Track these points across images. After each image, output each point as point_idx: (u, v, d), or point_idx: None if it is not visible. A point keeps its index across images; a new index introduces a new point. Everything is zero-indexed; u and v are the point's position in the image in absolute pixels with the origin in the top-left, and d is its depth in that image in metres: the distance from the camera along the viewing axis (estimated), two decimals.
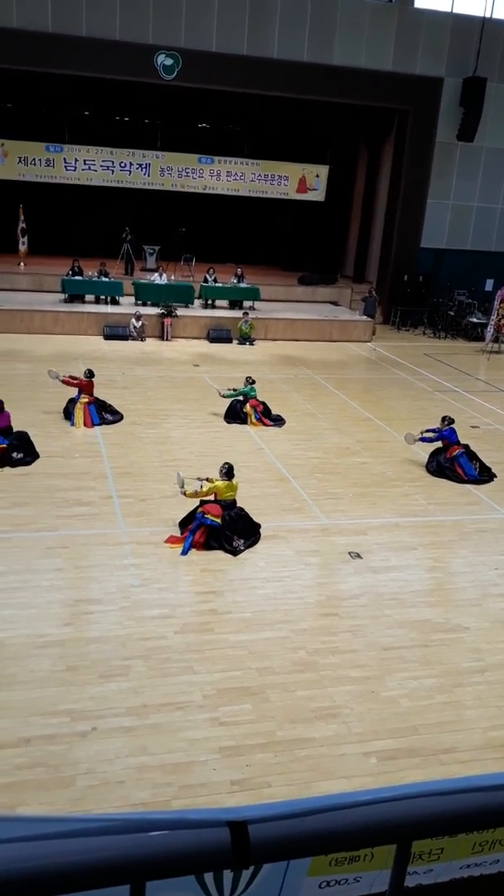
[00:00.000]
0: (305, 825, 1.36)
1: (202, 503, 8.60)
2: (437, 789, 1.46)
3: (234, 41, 20.28)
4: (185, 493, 8.57)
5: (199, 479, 8.74)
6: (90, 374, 12.45)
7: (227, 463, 8.76)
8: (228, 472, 8.63)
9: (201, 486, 8.59)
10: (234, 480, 8.73)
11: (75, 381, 12.29)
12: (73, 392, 12.43)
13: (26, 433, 10.72)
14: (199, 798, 4.93)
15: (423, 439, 11.45)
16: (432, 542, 9.11)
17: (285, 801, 1.39)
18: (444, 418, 11.58)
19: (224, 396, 12.99)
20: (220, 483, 8.57)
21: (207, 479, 8.69)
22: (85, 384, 12.32)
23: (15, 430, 10.65)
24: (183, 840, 1.30)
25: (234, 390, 13.10)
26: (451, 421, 11.46)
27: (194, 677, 6.17)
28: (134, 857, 1.27)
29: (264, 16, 20.36)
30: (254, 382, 13.24)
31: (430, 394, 15.80)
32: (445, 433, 11.27)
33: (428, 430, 11.50)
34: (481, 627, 7.29)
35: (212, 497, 8.61)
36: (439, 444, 11.35)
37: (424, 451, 11.63)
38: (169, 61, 19.94)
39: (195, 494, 8.54)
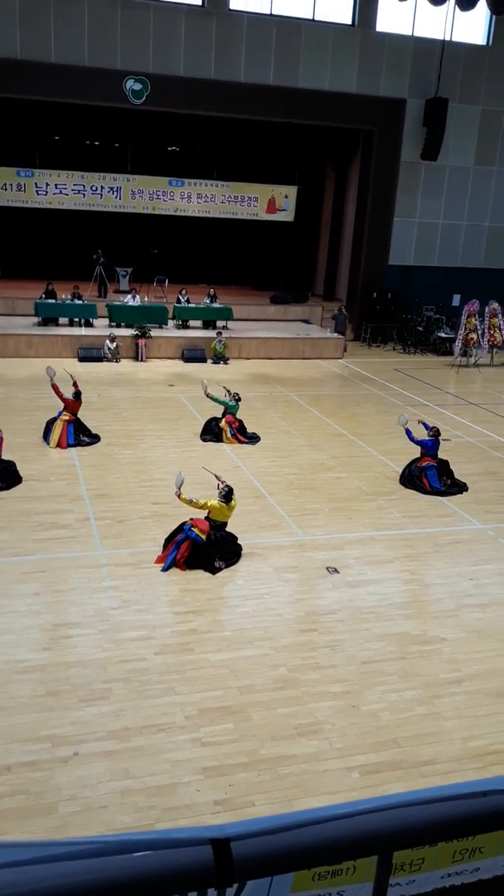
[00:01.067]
0: (287, 840, 1.38)
1: (192, 518, 8.60)
2: (415, 799, 1.49)
3: (202, 66, 20.55)
4: (179, 496, 8.52)
5: (217, 476, 8.83)
6: (77, 395, 12.40)
7: (227, 486, 8.74)
8: (226, 495, 8.63)
9: (195, 499, 8.57)
10: (233, 503, 8.66)
11: (61, 396, 12.24)
12: (55, 412, 12.38)
13: (13, 463, 10.60)
14: (183, 820, 4.90)
15: (408, 431, 11.54)
16: (407, 554, 9.19)
17: (267, 817, 1.41)
18: (429, 428, 11.67)
19: (207, 394, 12.99)
20: (214, 502, 8.57)
21: (221, 483, 8.73)
22: (71, 404, 12.29)
23: (3, 457, 10.53)
24: (166, 860, 1.31)
25: (217, 399, 13.08)
26: (437, 433, 11.57)
27: (175, 698, 6.15)
28: (118, 879, 1.28)
29: (231, 41, 20.68)
30: (239, 400, 13.26)
31: (402, 408, 15.97)
32: (427, 443, 11.40)
33: (417, 440, 11.52)
34: (458, 638, 7.36)
35: (204, 513, 8.61)
36: (417, 448, 11.47)
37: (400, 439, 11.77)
38: (138, 86, 20.13)
39: (189, 502, 8.51)
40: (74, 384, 12.43)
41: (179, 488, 8.53)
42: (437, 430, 11.69)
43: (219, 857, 1.31)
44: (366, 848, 1.47)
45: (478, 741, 5.90)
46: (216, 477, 8.92)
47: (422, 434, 11.72)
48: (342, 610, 7.76)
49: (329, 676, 6.60)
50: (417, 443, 11.43)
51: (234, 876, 1.33)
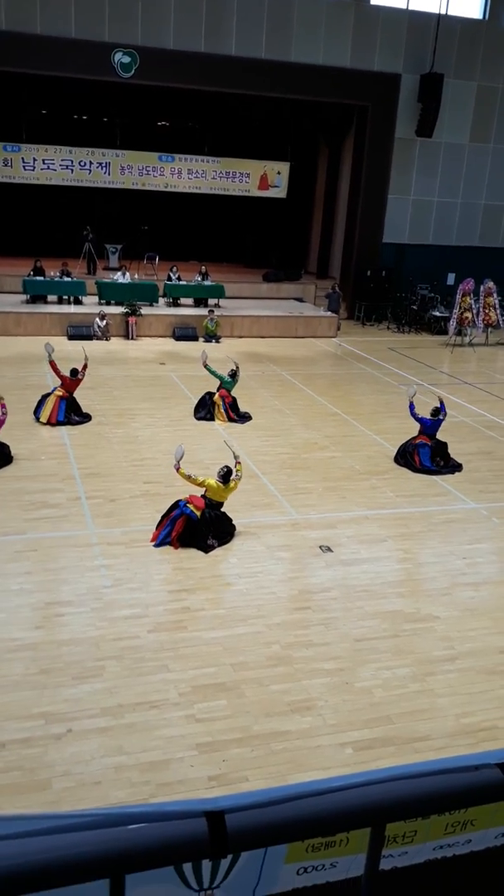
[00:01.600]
0: (281, 813, 1.38)
1: (189, 495, 8.60)
2: (408, 772, 1.50)
3: (192, 39, 20.22)
4: (178, 469, 8.50)
5: (235, 456, 8.82)
6: (74, 373, 12.32)
7: (226, 466, 8.71)
8: (224, 476, 8.60)
9: (194, 476, 8.55)
10: (232, 485, 8.61)
11: (59, 373, 12.21)
12: (46, 390, 12.32)
13: (6, 445, 10.55)
14: (177, 795, 4.94)
15: (412, 405, 11.49)
16: (401, 533, 9.22)
17: (261, 790, 1.41)
18: (433, 408, 11.54)
19: (205, 365, 12.97)
20: (212, 481, 8.55)
21: (238, 463, 8.71)
22: (67, 382, 12.23)
23: None
24: (161, 832, 1.31)
25: (214, 372, 13.02)
26: (437, 412, 11.48)
27: (169, 675, 6.17)
28: (113, 851, 1.28)
29: (221, 13, 20.33)
30: (234, 376, 13.19)
31: (395, 388, 15.96)
32: (426, 421, 11.38)
33: (418, 416, 11.45)
34: (451, 616, 7.41)
35: (202, 491, 8.61)
36: (413, 428, 11.46)
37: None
38: (126, 59, 19.81)
39: (188, 477, 8.49)
40: (84, 366, 12.35)
41: (179, 461, 8.52)
42: (438, 410, 11.52)
43: (213, 829, 1.31)
44: (359, 820, 1.47)
45: (470, 718, 5.96)
46: (234, 456, 8.86)
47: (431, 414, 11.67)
48: (335, 588, 7.79)
49: (322, 654, 6.64)
50: (418, 419, 11.41)
51: (229, 847, 1.33)
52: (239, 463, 8.78)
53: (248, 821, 1.35)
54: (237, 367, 13.39)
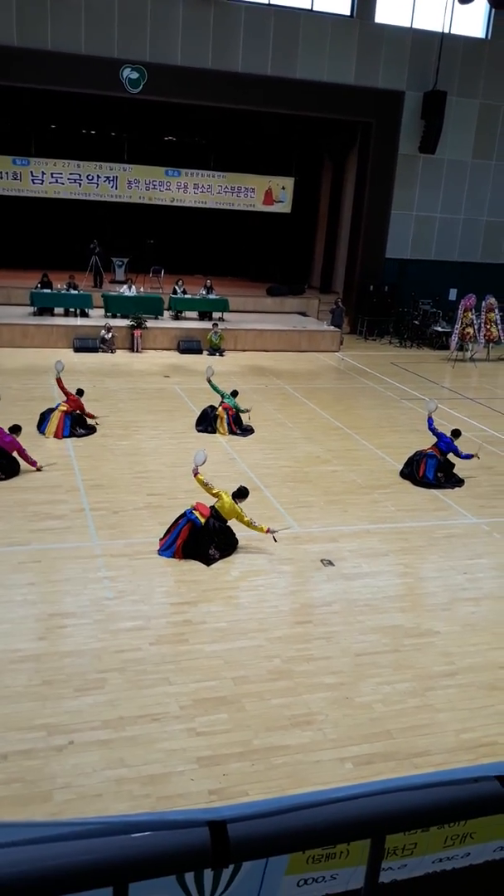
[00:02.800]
0: (283, 823, 1.40)
1: (197, 502, 8.65)
2: (408, 784, 1.52)
3: (199, 55, 20.46)
4: (196, 474, 8.61)
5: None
6: (80, 393, 12.53)
7: (243, 487, 8.80)
8: (239, 493, 8.68)
9: (211, 484, 8.63)
10: (238, 509, 8.58)
11: (66, 391, 12.35)
12: (52, 403, 12.46)
13: (14, 458, 10.62)
14: (177, 808, 4.94)
15: (430, 420, 11.64)
16: (402, 548, 9.23)
17: (263, 800, 1.44)
18: (453, 430, 11.74)
19: (209, 380, 13.10)
20: (226, 496, 8.59)
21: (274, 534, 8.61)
22: (73, 400, 12.37)
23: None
24: (164, 841, 1.33)
25: (217, 388, 13.18)
26: (456, 435, 11.60)
27: (170, 688, 6.18)
28: (117, 859, 1.30)
29: (228, 30, 20.58)
30: (235, 395, 13.42)
31: (398, 402, 16.01)
32: (445, 438, 11.44)
33: (437, 431, 11.52)
34: (452, 631, 7.41)
35: (213, 501, 8.65)
36: (416, 440, 11.56)
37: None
38: (134, 75, 20.04)
39: (204, 484, 8.56)
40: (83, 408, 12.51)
41: (198, 467, 8.60)
42: (457, 431, 11.69)
43: (215, 838, 1.34)
44: (359, 831, 1.49)
45: (470, 733, 5.95)
46: (271, 532, 8.61)
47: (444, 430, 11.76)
48: (337, 602, 7.80)
49: (323, 668, 6.64)
50: (436, 434, 11.46)
51: (231, 857, 1.35)
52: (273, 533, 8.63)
53: (250, 830, 1.37)
54: (236, 392, 13.63)
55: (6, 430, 10.46)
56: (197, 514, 8.47)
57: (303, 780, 5.30)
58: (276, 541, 8.59)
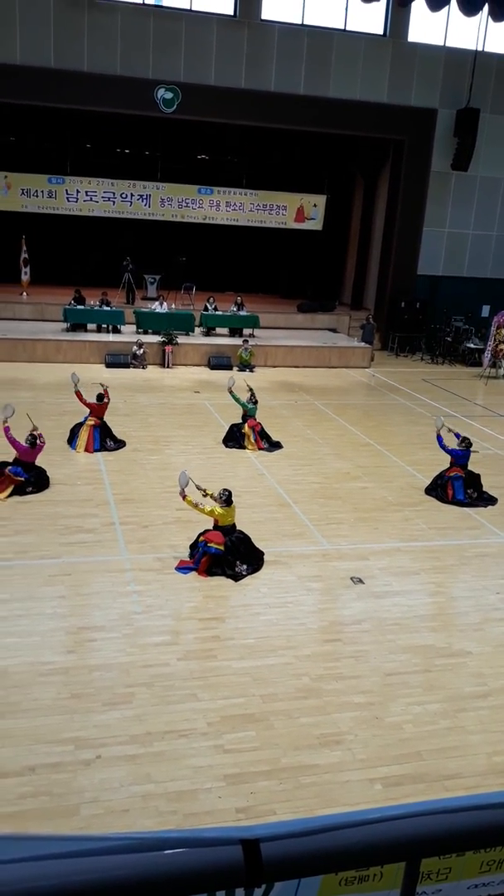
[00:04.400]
0: (317, 843, 1.38)
1: (204, 531, 8.62)
2: (445, 807, 1.49)
3: (233, 75, 20.72)
4: (183, 497, 8.51)
5: (198, 488, 8.72)
6: (100, 398, 12.54)
7: (226, 489, 8.76)
8: (227, 499, 8.65)
9: (202, 504, 8.59)
10: (233, 505, 8.73)
11: (85, 402, 12.39)
12: (81, 418, 12.53)
13: (44, 470, 10.73)
14: (205, 826, 4.90)
15: (440, 438, 11.49)
16: (434, 566, 9.12)
17: (297, 820, 1.42)
18: (462, 439, 11.58)
19: (230, 391, 13.08)
20: (219, 509, 8.59)
21: (206, 495, 8.69)
22: (95, 408, 12.42)
23: (37, 463, 10.67)
24: (197, 858, 1.32)
25: (237, 399, 13.15)
26: (468, 444, 11.48)
27: (198, 704, 6.15)
28: (149, 876, 1.29)
29: (262, 50, 20.82)
30: (256, 402, 13.34)
31: (429, 419, 15.87)
32: (457, 453, 11.33)
33: (447, 448, 11.46)
34: (484, 652, 7.29)
35: (212, 523, 8.64)
36: (445, 459, 11.42)
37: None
38: (169, 95, 20.35)
39: (195, 506, 8.52)
40: (105, 392, 12.55)
41: (184, 489, 8.49)
42: (469, 441, 11.59)
43: (248, 856, 1.32)
44: (394, 854, 1.47)
45: (502, 756, 5.83)
46: (198, 488, 8.76)
47: (452, 443, 11.63)
48: (367, 620, 7.72)
49: (352, 687, 6.57)
50: (448, 451, 11.36)
51: (264, 876, 1.33)
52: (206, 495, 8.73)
53: (283, 850, 1.35)
54: (252, 392, 13.51)
55: (22, 442, 10.52)
56: (213, 545, 8.40)
57: (331, 801, 5.23)
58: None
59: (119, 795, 5.13)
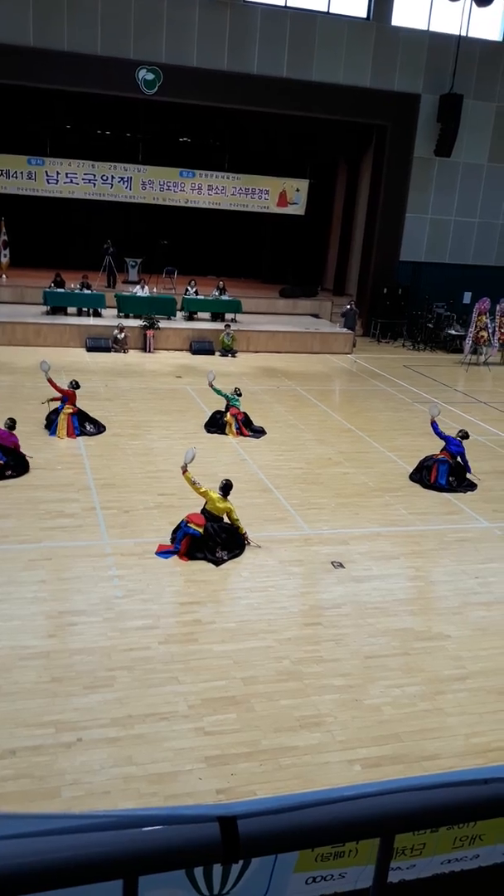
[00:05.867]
0: (293, 819, 1.40)
1: (189, 514, 8.65)
2: (418, 784, 1.52)
3: (215, 57, 20.50)
4: (184, 471, 8.65)
5: (195, 483, 8.79)
6: (75, 385, 12.48)
7: (226, 480, 8.80)
8: (224, 488, 8.71)
9: (198, 483, 8.64)
10: (227, 504, 8.69)
11: (59, 388, 12.30)
12: (57, 404, 12.45)
13: (23, 454, 10.67)
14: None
15: (435, 424, 11.53)
16: (413, 551, 9.20)
17: (274, 797, 1.44)
18: (459, 430, 11.70)
19: (210, 385, 13.04)
20: (213, 493, 8.62)
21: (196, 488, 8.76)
22: (70, 394, 12.35)
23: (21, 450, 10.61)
24: (175, 835, 1.33)
25: (220, 392, 13.13)
26: (464, 436, 11.55)
27: (179, 687, 6.19)
28: (128, 852, 1.30)
29: (244, 32, 20.61)
30: (240, 395, 13.36)
31: (410, 405, 15.97)
32: (453, 441, 11.40)
33: (444, 434, 11.51)
34: (462, 635, 7.38)
35: (202, 503, 8.64)
36: (430, 446, 11.50)
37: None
38: (150, 76, 20.10)
39: (192, 483, 8.61)
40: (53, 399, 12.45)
41: (187, 464, 8.62)
42: (463, 432, 11.67)
43: (226, 833, 1.34)
44: (368, 829, 1.49)
45: (480, 738, 5.93)
46: (246, 537, 8.81)
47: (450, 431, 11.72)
48: (347, 604, 7.79)
49: (332, 670, 6.63)
50: (443, 437, 11.42)
51: (240, 852, 1.35)
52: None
53: (260, 827, 1.37)
54: (238, 390, 13.56)
55: (4, 428, 10.47)
56: (193, 525, 8.46)
57: (311, 782, 5.30)
58: (248, 543, 8.73)
59: (100, 777, 5.16)
